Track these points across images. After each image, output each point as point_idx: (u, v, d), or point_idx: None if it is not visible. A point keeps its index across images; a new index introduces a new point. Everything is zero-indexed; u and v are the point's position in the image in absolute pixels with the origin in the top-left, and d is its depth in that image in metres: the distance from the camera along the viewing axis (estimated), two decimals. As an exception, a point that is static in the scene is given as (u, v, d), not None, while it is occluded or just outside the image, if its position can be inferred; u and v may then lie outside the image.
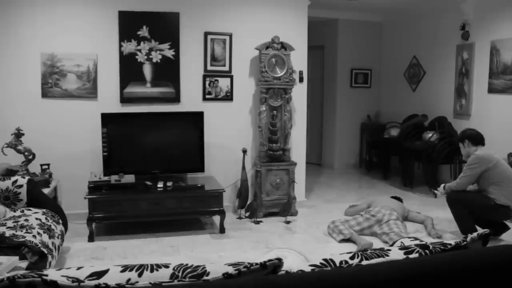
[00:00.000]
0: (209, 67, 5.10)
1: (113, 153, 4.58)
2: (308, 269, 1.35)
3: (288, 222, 4.93)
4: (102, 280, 1.20)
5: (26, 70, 4.66)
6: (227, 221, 4.63)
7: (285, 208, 4.99)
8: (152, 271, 1.25)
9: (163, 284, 1.22)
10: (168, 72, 4.97)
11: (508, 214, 4.10)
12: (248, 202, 5.07)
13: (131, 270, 1.24)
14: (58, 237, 3.34)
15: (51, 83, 4.69)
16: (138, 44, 4.86)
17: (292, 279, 1.24)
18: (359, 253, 1.42)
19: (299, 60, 5.32)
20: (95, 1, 4.76)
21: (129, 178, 4.47)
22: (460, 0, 6.02)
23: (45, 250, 2.91)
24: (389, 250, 1.47)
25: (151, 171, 4.67)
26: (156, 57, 4.91)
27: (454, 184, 4.32)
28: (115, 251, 4.00)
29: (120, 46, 4.82)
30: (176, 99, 5.02)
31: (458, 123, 6.25)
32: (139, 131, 4.78)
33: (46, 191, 4.02)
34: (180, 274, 1.25)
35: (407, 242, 3.60)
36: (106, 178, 4.47)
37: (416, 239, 3.95)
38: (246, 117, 5.30)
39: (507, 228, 4.33)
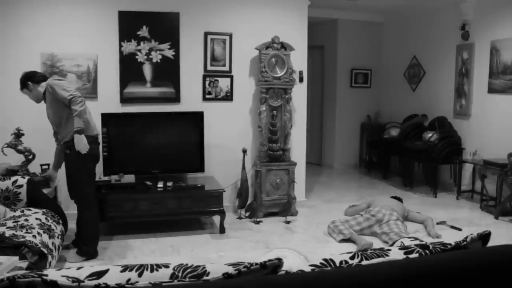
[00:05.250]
0: (209, 67, 5.10)
1: (113, 153, 4.58)
2: (308, 269, 1.35)
3: (288, 222, 4.93)
4: (102, 280, 1.20)
5: (26, 70, 4.65)
6: (227, 221, 4.63)
7: (285, 208, 4.99)
8: (152, 271, 1.25)
9: (163, 284, 1.22)
10: (168, 72, 4.97)
11: None
12: (248, 202, 5.07)
13: (131, 270, 1.24)
14: (58, 237, 3.34)
15: (51, 83, 4.69)
16: (138, 44, 4.86)
17: (292, 279, 1.24)
18: (359, 253, 1.42)
19: (299, 60, 5.32)
20: (95, 1, 4.76)
21: (129, 178, 4.47)
22: (460, 0, 6.02)
23: (45, 250, 2.92)
24: (389, 250, 1.47)
25: (151, 171, 4.67)
26: (156, 57, 4.92)
27: None
28: (115, 251, 4.00)
29: (120, 46, 4.82)
30: (176, 99, 5.02)
31: (458, 123, 6.25)
32: (139, 131, 4.78)
33: (46, 191, 4.02)
34: (180, 274, 1.25)
35: (407, 242, 3.60)
36: (106, 178, 4.48)
37: (416, 239, 3.95)
38: (246, 117, 5.30)
39: None
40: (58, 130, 3.84)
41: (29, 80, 3.81)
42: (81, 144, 3.64)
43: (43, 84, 3.80)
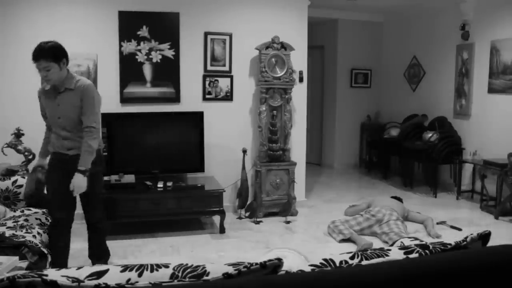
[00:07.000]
0: (209, 67, 5.10)
1: (113, 153, 4.58)
2: (308, 269, 1.35)
3: (288, 222, 4.93)
4: (102, 280, 1.20)
5: (26, 70, 4.64)
6: (227, 221, 4.63)
7: (285, 208, 4.99)
8: (152, 271, 1.25)
9: (163, 284, 1.22)
10: (168, 72, 4.97)
11: None
12: (248, 202, 5.07)
13: (131, 270, 1.24)
14: (58, 237, 3.34)
15: (51, 83, 4.68)
16: (138, 44, 4.85)
17: (292, 279, 1.24)
18: (359, 253, 1.42)
19: (299, 60, 5.32)
20: (95, 1, 4.76)
21: (129, 178, 4.48)
22: (460, 0, 6.02)
23: (45, 250, 2.92)
24: (389, 250, 1.47)
25: (151, 171, 4.68)
26: (156, 57, 4.91)
27: None
28: (115, 251, 4.00)
29: (120, 46, 4.82)
30: (176, 99, 5.02)
31: (458, 123, 6.25)
32: (139, 131, 4.78)
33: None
34: (180, 274, 1.25)
35: (407, 242, 3.60)
36: (106, 178, 4.47)
37: (416, 239, 3.94)
38: (246, 117, 5.30)
39: None
40: (66, 137, 3.24)
41: (66, 57, 3.17)
42: (80, 186, 3.03)
43: (75, 75, 3.23)
